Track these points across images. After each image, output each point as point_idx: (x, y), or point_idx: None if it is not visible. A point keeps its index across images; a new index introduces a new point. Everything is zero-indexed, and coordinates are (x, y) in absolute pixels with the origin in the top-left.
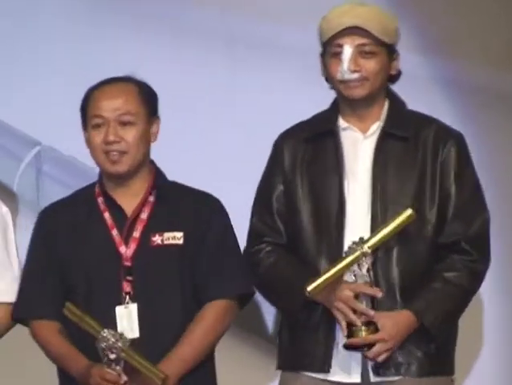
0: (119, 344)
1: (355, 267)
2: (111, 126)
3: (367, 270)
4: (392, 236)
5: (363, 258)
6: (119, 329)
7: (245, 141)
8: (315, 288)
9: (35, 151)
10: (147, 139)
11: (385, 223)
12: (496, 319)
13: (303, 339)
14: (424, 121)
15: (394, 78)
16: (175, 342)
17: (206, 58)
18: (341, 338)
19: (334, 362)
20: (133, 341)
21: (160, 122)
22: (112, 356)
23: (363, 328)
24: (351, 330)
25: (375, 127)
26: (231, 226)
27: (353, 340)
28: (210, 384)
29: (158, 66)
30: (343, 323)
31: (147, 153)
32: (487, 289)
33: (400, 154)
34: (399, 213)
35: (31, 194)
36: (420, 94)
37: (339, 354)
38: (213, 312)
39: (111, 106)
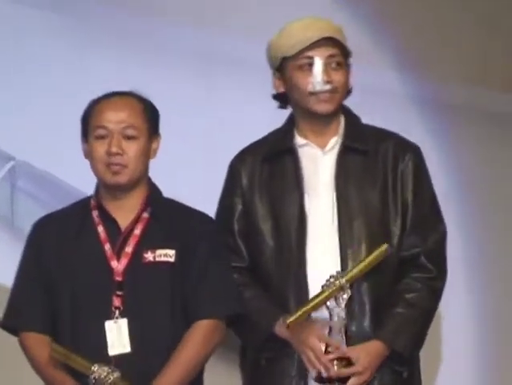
0: (111, 378)
1: (332, 302)
2: (115, 138)
3: (345, 305)
4: (368, 269)
5: (341, 292)
6: (109, 342)
7: (220, 158)
8: (295, 320)
9: (9, 165)
10: (147, 155)
11: (361, 258)
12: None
13: (272, 373)
14: (382, 134)
15: (348, 92)
16: (165, 357)
17: (181, 75)
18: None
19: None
20: (125, 366)
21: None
22: None
23: (335, 362)
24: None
25: (334, 142)
26: (222, 246)
27: (329, 374)
28: None
29: (134, 83)
30: (312, 371)
31: (146, 169)
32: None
33: (361, 167)
34: (374, 249)
35: (5, 209)
36: (395, 110)
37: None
38: (201, 332)
39: (116, 118)
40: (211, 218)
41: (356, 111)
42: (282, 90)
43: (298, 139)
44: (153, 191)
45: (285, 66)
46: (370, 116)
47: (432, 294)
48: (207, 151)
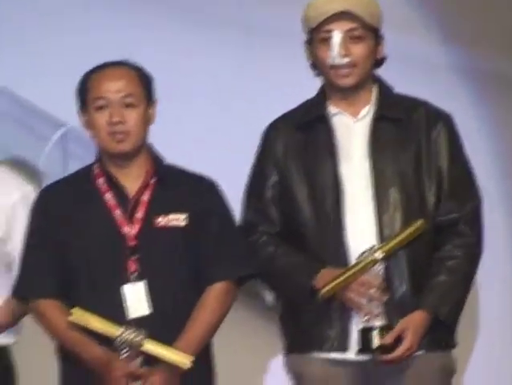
0: (138, 339)
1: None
2: (116, 107)
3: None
4: (403, 244)
5: (375, 265)
6: (130, 311)
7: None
8: (328, 291)
9: (61, 131)
10: (147, 121)
11: (397, 232)
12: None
13: (314, 321)
14: (414, 103)
15: (379, 62)
16: (182, 318)
17: (220, 45)
18: (356, 320)
19: (350, 341)
20: (148, 328)
21: (157, 105)
22: (131, 351)
23: (378, 331)
24: (368, 334)
25: (366, 111)
26: (230, 208)
27: (384, 343)
28: (209, 364)
29: (173, 53)
30: (361, 312)
31: (147, 136)
32: None
33: (394, 136)
34: (410, 224)
35: (58, 172)
36: (439, 80)
37: (354, 334)
38: (216, 295)
39: (115, 88)
40: (215, 181)
41: (398, 80)
42: (312, 61)
43: (331, 108)
44: (156, 157)
45: (312, 38)
46: (411, 85)
47: (471, 261)
48: (248, 123)
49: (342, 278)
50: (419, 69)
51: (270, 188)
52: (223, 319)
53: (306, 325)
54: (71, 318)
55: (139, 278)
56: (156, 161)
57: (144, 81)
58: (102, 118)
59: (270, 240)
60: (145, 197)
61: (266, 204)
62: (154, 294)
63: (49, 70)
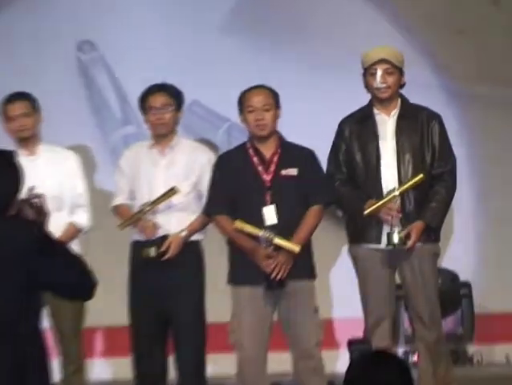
0: (271, 236)
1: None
2: (259, 111)
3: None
4: (411, 188)
5: (395, 198)
6: (267, 221)
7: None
8: (370, 212)
9: (228, 124)
10: (276, 118)
11: (406, 180)
12: None
13: (364, 224)
14: (420, 108)
15: (402, 86)
16: (295, 225)
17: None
18: (385, 227)
19: (382, 239)
20: (276, 230)
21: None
22: (267, 243)
23: (397, 233)
24: (391, 235)
25: (394, 112)
26: (320, 164)
27: (400, 239)
28: (309, 250)
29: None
30: (387, 223)
31: (276, 125)
32: None
33: (409, 126)
34: (416, 175)
35: (225, 147)
36: (430, 99)
37: (384, 235)
38: (315, 212)
39: (258, 99)
40: (312, 150)
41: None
42: (365, 85)
43: (375, 110)
44: (280, 137)
45: (365, 72)
46: (413, 99)
47: (449, 195)
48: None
49: (377, 205)
50: (416, 90)
51: (341, 154)
52: (317, 225)
53: (359, 229)
54: (235, 226)
55: (271, 204)
56: (280, 139)
57: (274, 95)
58: (252, 116)
59: (342, 182)
60: (275, 159)
61: (339, 162)
62: (279, 212)
63: (224, 84)
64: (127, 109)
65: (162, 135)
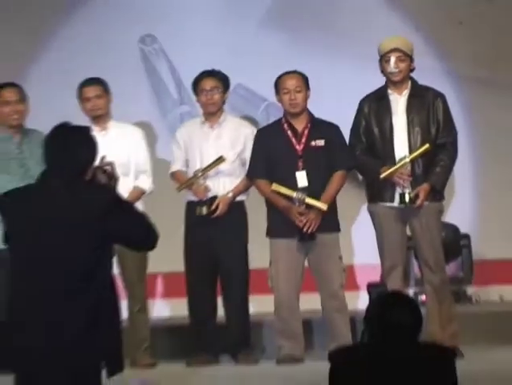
0: (303, 196)
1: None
2: (292, 92)
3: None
4: (419, 156)
5: (406, 164)
6: (299, 184)
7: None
8: (385, 176)
9: (266, 103)
10: (306, 98)
11: (415, 149)
12: None
13: (380, 186)
14: (427, 88)
15: (412, 70)
16: (322, 187)
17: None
18: (397, 189)
19: (395, 198)
20: (306, 192)
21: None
22: (300, 202)
23: (407, 194)
24: (403, 195)
25: (405, 92)
26: (343, 136)
27: (410, 198)
28: (335, 207)
29: None
30: (400, 185)
31: (306, 104)
32: None
33: (418, 103)
34: (422, 145)
35: (264, 122)
36: (434, 81)
37: (397, 195)
38: (340, 175)
39: (292, 82)
40: (337, 125)
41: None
42: (381, 69)
43: (389, 91)
44: (310, 113)
45: (381, 59)
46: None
47: (452, 161)
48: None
49: (391, 170)
50: (423, 75)
51: (361, 128)
52: (341, 187)
53: (376, 190)
54: (272, 188)
55: (303, 169)
56: (310, 115)
57: (305, 79)
58: (286, 97)
59: (362, 152)
60: (305, 132)
61: (359, 134)
62: (309, 177)
63: (263, 70)
64: (182, 91)
65: (211, 113)
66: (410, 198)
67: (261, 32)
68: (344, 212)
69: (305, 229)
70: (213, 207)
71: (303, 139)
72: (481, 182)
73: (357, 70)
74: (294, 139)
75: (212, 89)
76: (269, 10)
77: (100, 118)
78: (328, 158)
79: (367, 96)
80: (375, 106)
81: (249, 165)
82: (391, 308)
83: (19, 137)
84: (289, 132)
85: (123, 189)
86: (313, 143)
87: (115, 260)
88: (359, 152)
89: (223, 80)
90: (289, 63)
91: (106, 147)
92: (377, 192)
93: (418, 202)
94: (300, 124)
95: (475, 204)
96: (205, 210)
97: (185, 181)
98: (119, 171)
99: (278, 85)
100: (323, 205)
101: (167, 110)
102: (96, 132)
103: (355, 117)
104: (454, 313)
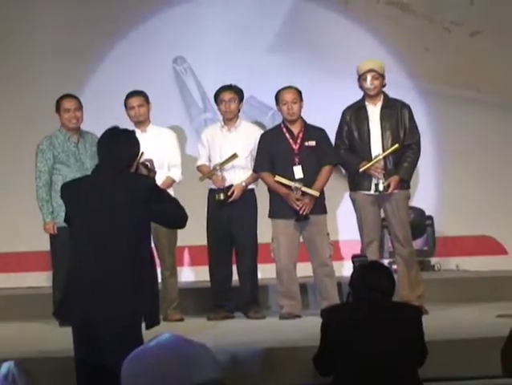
0: (299, 186)
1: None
2: (290, 104)
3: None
4: (391, 154)
5: (380, 160)
6: (296, 176)
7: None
8: (364, 170)
9: (272, 111)
10: (301, 107)
11: (387, 149)
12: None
13: (359, 177)
14: (396, 100)
15: (384, 86)
16: (314, 177)
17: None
18: (373, 180)
19: (371, 187)
20: (302, 182)
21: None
22: (297, 190)
23: (381, 183)
24: (378, 185)
25: (379, 104)
26: (329, 138)
27: (384, 187)
28: (323, 196)
29: None
30: (375, 177)
31: (300, 112)
32: None
33: (389, 113)
34: (392, 146)
35: (270, 125)
36: (405, 95)
37: (373, 185)
38: (327, 170)
39: (289, 96)
40: (324, 129)
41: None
42: (359, 86)
43: (366, 103)
44: (304, 120)
45: (360, 77)
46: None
47: (416, 158)
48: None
49: (368, 165)
50: (395, 90)
51: (344, 131)
52: (329, 178)
53: (356, 180)
54: (275, 179)
55: (299, 164)
56: (303, 122)
57: (299, 93)
58: (285, 107)
59: (345, 151)
60: (300, 135)
61: (342, 137)
62: (303, 170)
63: (270, 85)
64: (206, 101)
65: (229, 119)
66: (384, 187)
67: (268, 55)
68: (331, 197)
69: (301, 212)
70: (229, 193)
71: (299, 141)
72: (441, 173)
73: (339, 85)
74: (291, 141)
75: (230, 100)
76: (276, 36)
77: (142, 123)
78: (318, 155)
79: (349, 107)
80: (354, 114)
81: (255, 161)
82: (371, 273)
83: (76, 137)
84: (287, 135)
85: (158, 179)
86: (306, 143)
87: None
88: (342, 151)
89: (239, 93)
90: (289, 79)
91: (145, 145)
92: (357, 182)
93: (389, 190)
94: (296, 128)
95: (437, 192)
96: (222, 196)
97: (207, 173)
98: (155, 165)
99: (278, 97)
100: (315, 193)
101: (193, 116)
102: (138, 134)
103: (340, 123)
104: (420, 278)
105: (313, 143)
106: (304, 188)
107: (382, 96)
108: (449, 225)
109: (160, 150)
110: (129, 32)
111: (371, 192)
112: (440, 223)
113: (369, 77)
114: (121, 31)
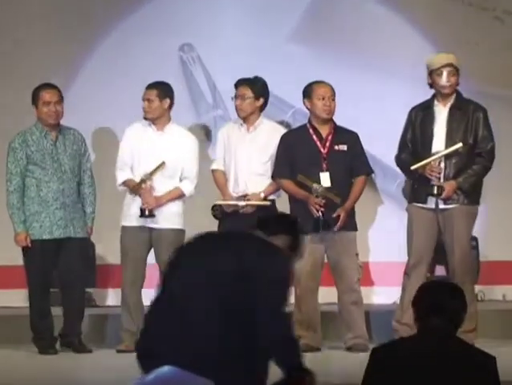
0: (321, 189)
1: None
2: (327, 99)
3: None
4: (453, 153)
5: (441, 159)
6: (322, 183)
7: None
8: (416, 168)
9: (293, 109)
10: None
11: (450, 147)
12: None
13: (417, 189)
14: (470, 101)
15: (458, 84)
16: (346, 185)
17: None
18: (431, 183)
19: (428, 199)
20: (328, 188)
21: None
22: (318, 194)
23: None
24: (434, 189)
25: (449, 104)
26: (361, 142)
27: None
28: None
29: None
30: (433, 180)
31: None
32: None
33: (458, 115)
34: (456, 144)
35: (292, 126)
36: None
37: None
38: (360, 181)
39: (326, 90)
40: (357, 133)
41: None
42: (429, 82)
43: (435, 102)
44: (334, 122)
45: (431, 72)
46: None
47: (484, 169)
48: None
49: (422, 163)
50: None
51: (408, 134)
52: (362, 191)
53: (414, 190)
54: (298, 178)
55: (326, 171)
56: (333, 122)
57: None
58: (320, 103)
59: (407, 155)
60: (329, 137)
61: (406, 140)
62: (331, 177)
63: (292, 81)
64: (216, 96)
65: (244, 118)
66: (438, 191)
67: (290, 46)
68: (361, 212)
69: (316, 214)
70: (243, 204)
71: (328, 144)
72: (487, 191)
73: (372, 81)
74: (319, 143)
75: (241, 96)
76: (297, 26)
77: (157, 120)
78: (349, 162)
79: (416, 106)
80: (421, 115)
81: (274, 166)
82: (437, 292)
83: (55, 134)
84: (314, 137)
85: (167, 189)
86: (336, 147)
87: (152, 253)
88: (403, 156)
89: (256, 87)
90: (314, 74)
91: (160, 147)
92: (414, 193)
93: (443, 195)
94: (324, 130)
95: (482, 209)
96: (219, 213)
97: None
98: (166, 173)
99: (311, 91)
100: (336, 198)
101: (202, 113)
102: (153, 131)
103: (405, 124)
104: (474, 310)
105: (344, 147)
106: (325, 192)
107: (454, 96)
108: (495, 248)
109: (174, 156)
110: (129, 15)
111: (428, 204)
112: (485, 245)
113: (445, 73)
114: (120, 13)
